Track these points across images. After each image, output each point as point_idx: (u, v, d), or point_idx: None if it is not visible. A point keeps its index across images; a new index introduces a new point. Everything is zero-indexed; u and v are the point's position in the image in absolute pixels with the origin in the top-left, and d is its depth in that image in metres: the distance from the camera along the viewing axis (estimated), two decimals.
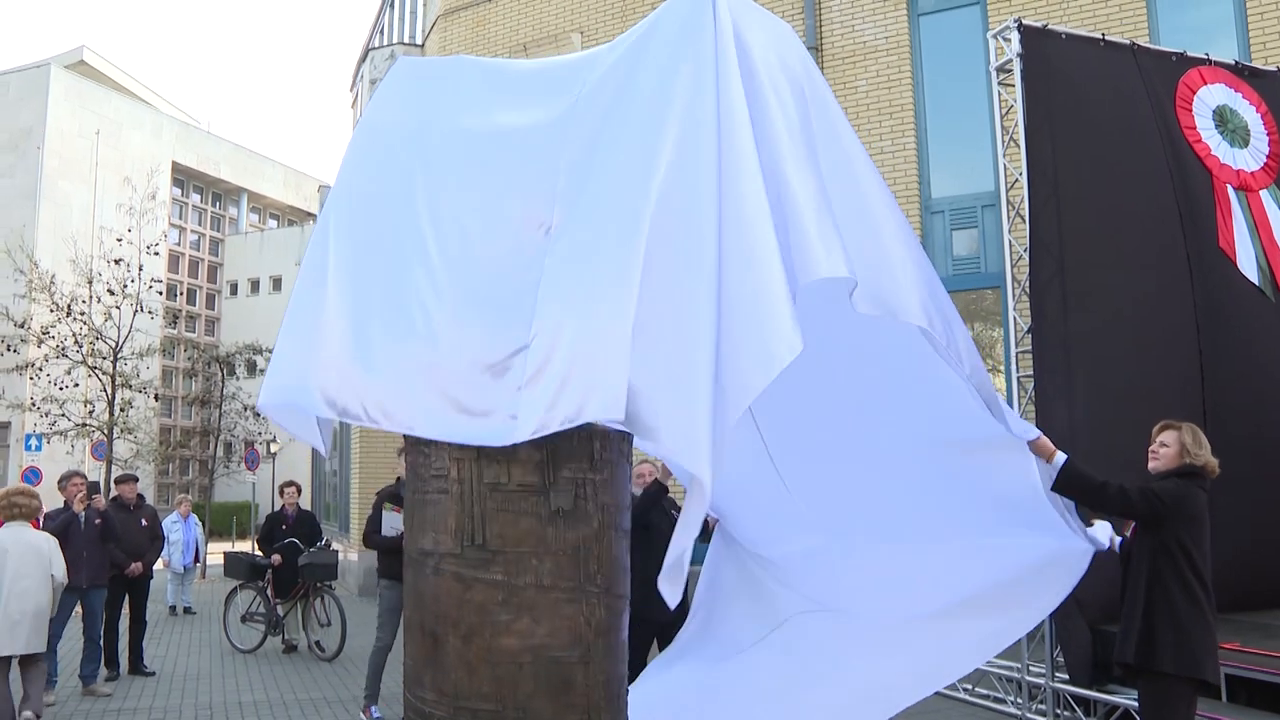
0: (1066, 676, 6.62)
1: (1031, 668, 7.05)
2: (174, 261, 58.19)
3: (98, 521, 8.46)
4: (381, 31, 23.17)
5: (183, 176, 63.30)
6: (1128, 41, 7.74)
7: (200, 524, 16.98)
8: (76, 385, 23.58)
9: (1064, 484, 4.05)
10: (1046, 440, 4.09)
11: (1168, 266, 7.18)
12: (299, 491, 11.52)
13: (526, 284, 3.37)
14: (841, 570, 4.51)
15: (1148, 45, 8.42)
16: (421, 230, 3.68)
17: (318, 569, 10.49)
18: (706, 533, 5.94)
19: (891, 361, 4.08)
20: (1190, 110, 7.60)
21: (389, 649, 7.34)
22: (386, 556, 7.40)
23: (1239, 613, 6.84)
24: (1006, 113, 7.62)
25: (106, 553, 8.66)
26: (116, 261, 22.42)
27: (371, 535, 7.67)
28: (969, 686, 7.64)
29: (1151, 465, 4.50)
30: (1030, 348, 7.00)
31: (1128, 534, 4.48)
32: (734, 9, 3.35)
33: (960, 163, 11.57)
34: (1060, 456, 4.05)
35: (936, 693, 7.04)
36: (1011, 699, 7.32)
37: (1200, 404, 7.04)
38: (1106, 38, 7.61)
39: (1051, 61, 7.23)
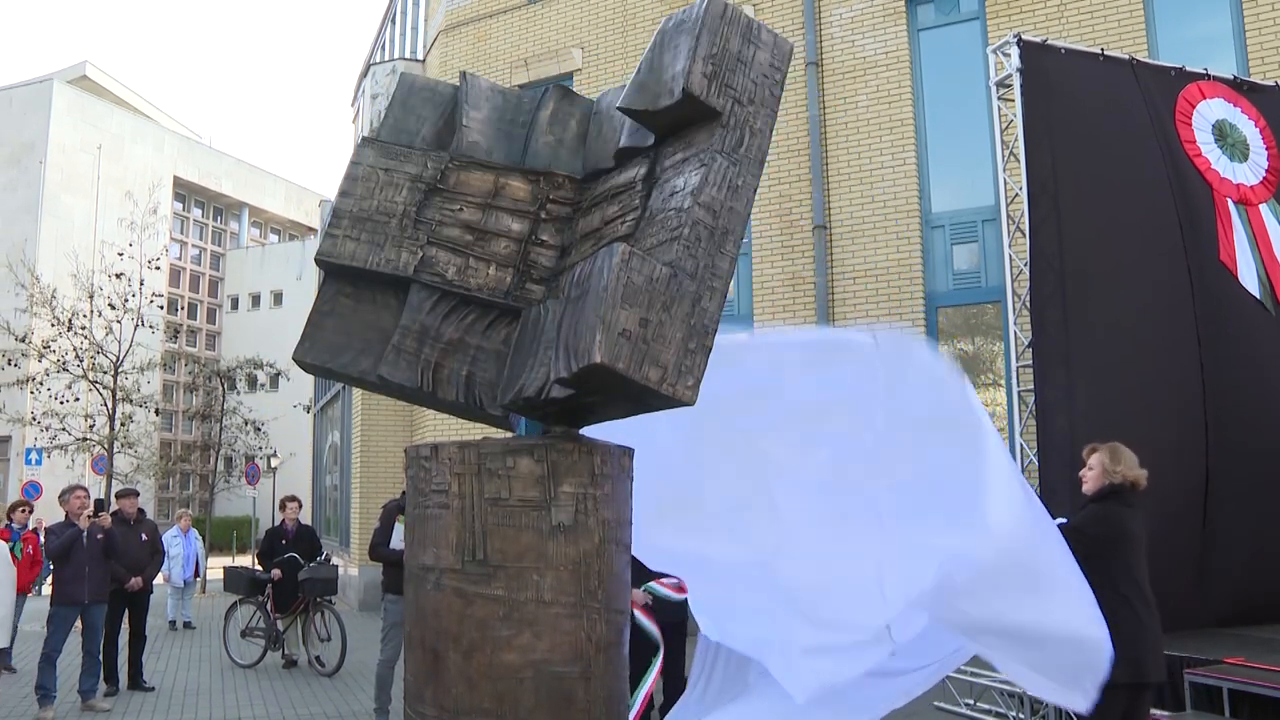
0: None
1: None
2: (175, 276, 58.28)
3: (100, 536, 8.46)
4: (383, 47, 23.27)
5: (184, 191, 63.47)
6: (1127, 56, 7.77)
7: (200, 538, 16.96)
8: (77, 399, 23.58)
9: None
10: None
11: (1168, 279, 7.19)
12: (299, 506, 11.51)
13: None
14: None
15: (1147, 60, 8.45)
16: None
17: (318, 584, 10.47)
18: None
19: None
20: (1190, 124, 7.63)
21: (394, 663, 7.32)
22: (391, 570, 7.38)
23: (1242, 626, 6.83)
24: (1006, 127, 7.64)
25: (108, 568, 8.65)
26: (117, 276, 22.42)
27: (378, 547, 7.63)
28: (970, 701, 7.61)
29: (1084, 488, 4.90)
30: (1031, 362, 6.99)
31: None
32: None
33: (960, 177, 11.60)
34: None
35: (938, 707, 7.03)
36: (1014, 714, 7.29)
37: (1201, 416, 7.04)
38: (1106, 52, 7.64)
39: (1051, 76, 7.25)
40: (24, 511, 11.55)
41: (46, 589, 11.15)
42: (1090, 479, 4.82)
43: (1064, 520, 4.50)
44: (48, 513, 10.10)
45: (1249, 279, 7.50)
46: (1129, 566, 4.59)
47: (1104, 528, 4.58)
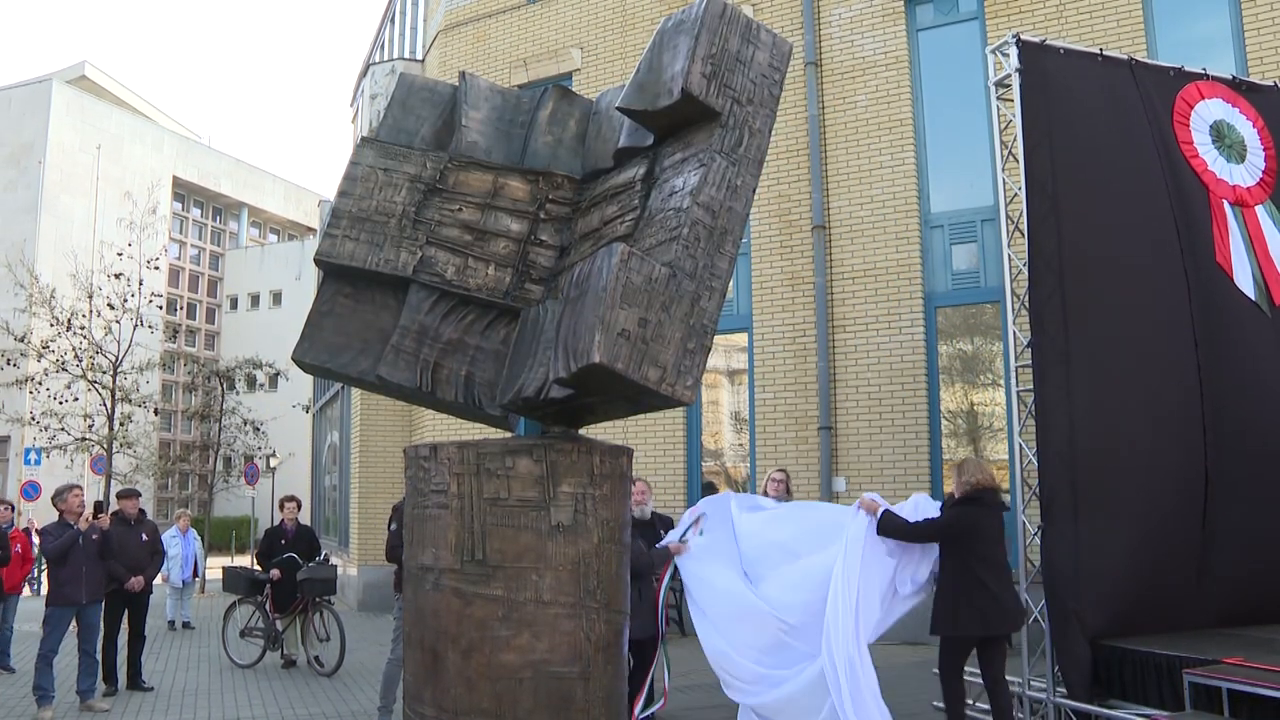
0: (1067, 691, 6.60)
1: (1033, 682, 7.02)
2: (174, 276, 58.28)
3: (95, 537, 8.45)
4: (382, 47, 23.27)
5: (183, 191, 63.47)
6: (1126, 56, 7.76)
7: (199, 539, 16.95)
8: (76, 399, 23.56)
9: (883, 527, 6.01)
10: (869, 501, 6.16)
11: (1166, 281, 7.19)
12: (298, 506, 11.50)
13: None
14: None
15: (1146, 60, 8.45)
16: None
17: (317, 584, 10.46)
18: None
19: None
20: (1188, 125, 7.62)
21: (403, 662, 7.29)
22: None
23: (1242, 626, 6.83)
24: (1005, 127, 7.64)
25: (105, 568, 8.65)
26: (117, 276, 22.42)
27: (397, 549, 7.53)
28: (970, 701, 7.60)
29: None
30: (1030, 362, 7.00)
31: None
32: None
33: (959, 177, 11.60)
34: (881, 509, 6.07)
35: (938, 706, 7.02)
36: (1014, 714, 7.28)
37: (1199, 417, 7.04)
38: (1104, 52, 7.63)
39: (1050, 76, 7.24)
40: (5, 509, 11.34)
41: (43, 588, 11.12)
42: (957, 491, 6.27)
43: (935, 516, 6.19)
44: (45, 513, 10.05)
45: (1245, 281, 7.49)
46: (982, 553, 6.02)
47: (956, 525, 6.07)
